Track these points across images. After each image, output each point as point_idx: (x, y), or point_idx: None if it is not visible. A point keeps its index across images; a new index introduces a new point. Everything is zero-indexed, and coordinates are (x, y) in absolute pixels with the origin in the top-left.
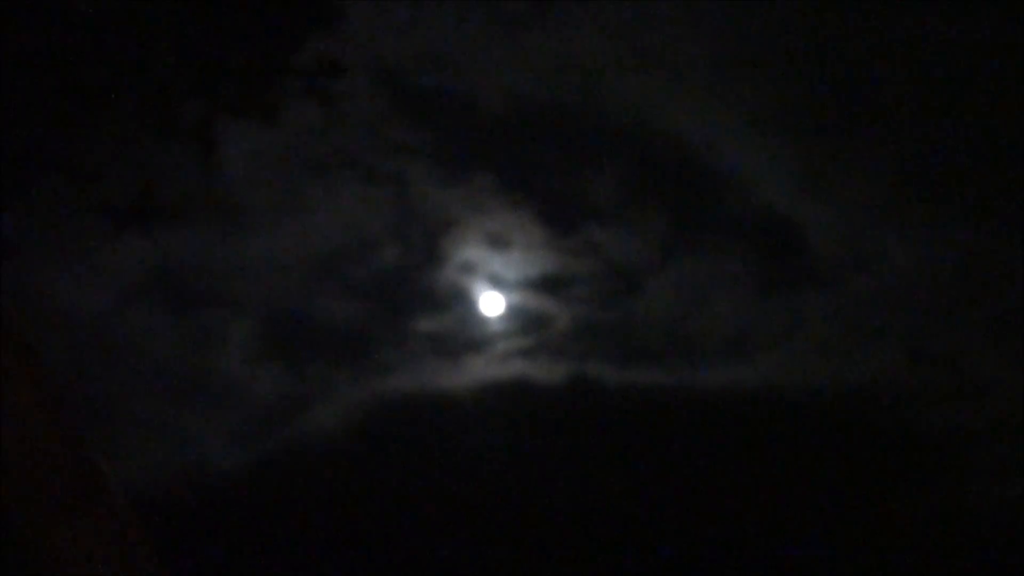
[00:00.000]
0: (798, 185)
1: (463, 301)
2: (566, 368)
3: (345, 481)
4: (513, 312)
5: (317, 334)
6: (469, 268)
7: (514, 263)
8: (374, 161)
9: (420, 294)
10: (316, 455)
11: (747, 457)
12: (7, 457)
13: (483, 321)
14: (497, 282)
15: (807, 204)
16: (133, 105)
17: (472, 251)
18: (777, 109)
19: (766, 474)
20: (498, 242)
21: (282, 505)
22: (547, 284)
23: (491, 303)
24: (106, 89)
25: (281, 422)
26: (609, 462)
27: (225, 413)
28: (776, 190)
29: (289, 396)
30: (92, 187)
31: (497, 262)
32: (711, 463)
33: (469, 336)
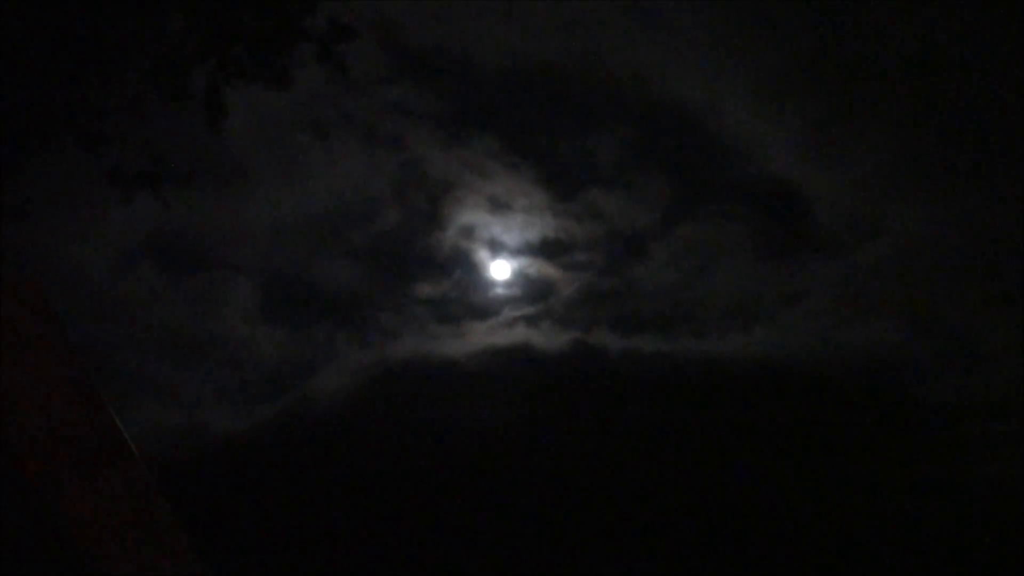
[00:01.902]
0: (802, 150)
1: (464, 266)
2: (569, 335)
3: (348, 445)
4: (515, 278)
5: (319, 298)
6: (470, 232)
7: (515, 227)
8: (375, 123)
9: (421, 258)
10: (319, 419)
11: (749, 425)
12: (28, 418)
13: (485, 287)
14: (498, 247)
15: (811, 170)
16: (144, 70)
17: (473, 215)
18: (782, 73)
19: (768, 442)
20: (499, 206)
21: (285, 469)
22: (549, 249)
23: (493, 269)
24: (118, 54)
25: (283, 386)
26: (611, 429)
27: (228, 376)
28: (780, 155)
29: (291, 360)
30: (103, 151)
31: (498, 226)
32: (713, 431)
33: (471, 302)
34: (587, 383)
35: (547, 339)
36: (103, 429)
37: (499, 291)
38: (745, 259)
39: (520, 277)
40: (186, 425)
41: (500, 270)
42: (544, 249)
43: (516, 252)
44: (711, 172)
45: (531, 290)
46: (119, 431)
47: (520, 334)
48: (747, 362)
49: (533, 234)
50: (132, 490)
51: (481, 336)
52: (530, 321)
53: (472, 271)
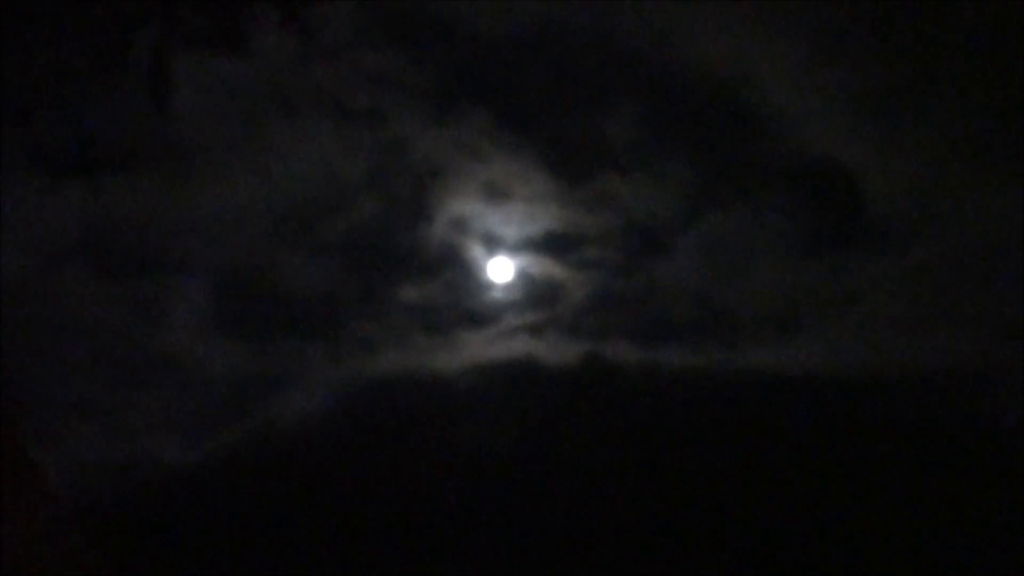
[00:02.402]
0: (853, 127)
1: (455, 266)
2: (579, 347)
3: (320, 477)
4: (515, 279)
5: (284, 305)
6: (462, 225)
7: (515, 220)
8: (349, 97)
9: (404, 256)
10: (286, 447)
11: (792, 451)
12: None
13: (479, 290)
14: (495, 243)
15: (864, 151)
16: (77, 34)
17: (465, 205)
18: (829, 35)
19: (814, 471)
20: (496, 194)
21: (247, 504)
22: (555, 245)
23: (489, 269)
24: (44, 15)
25: (244, 409)
26: (630, 455)
27: (178, 398)
28: (827, 133)
29: (252, 378)
30: (25, 130)
31: (495, 218)
32: (750, 457)
33: (463, 308)
34: (601, 403)
35: (554, 352)
36: (14, 457)
37: (496, 295)
38: (786, 255)
39: (521, 278)
40: (131, 456)
41: (498, 270)
42: (549, 245)
43: (516, 249)
44: (745, 153)
45: (534, 293)
46: (32, 459)
47: (522, 346)
48: (789, 377)
49: (536, 227)
50: (47, 521)
51: (476, 348)
52: (534, 330)
53: (464, 272)
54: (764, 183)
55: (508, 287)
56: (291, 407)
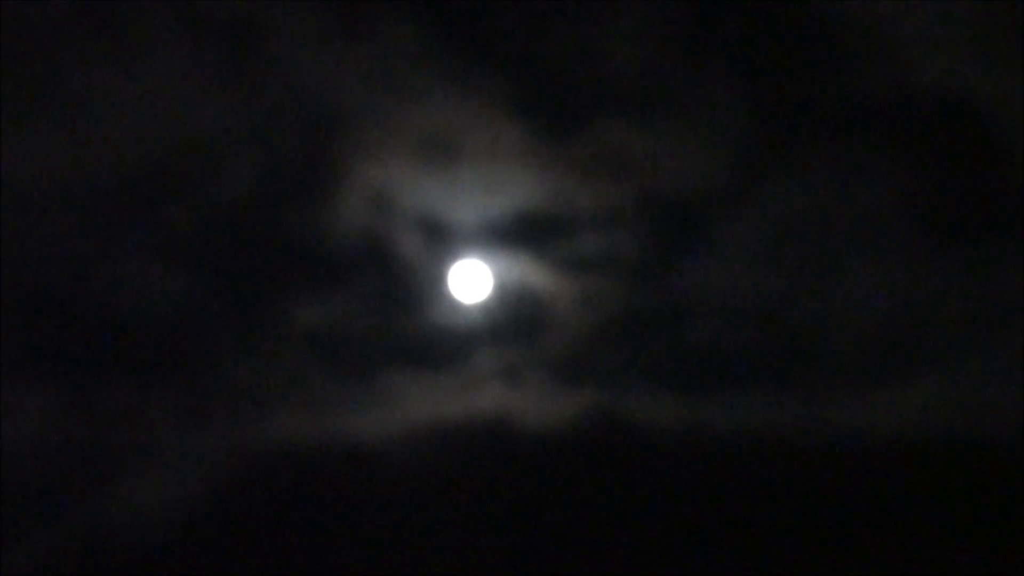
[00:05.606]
0: (990, 51)
1: (378, 267)
2: (577, 399)
3: None
4: (476, 290)
5: (114, 335)
6: (385, 203)
7: (470, 192)
8: (212, 7)
9: (299, 254)
10: (128, 559)
11: (907, 554)
12: None
13: (418, 308)
14: (440, 231)
15: (1008, 88)
16: None
17: (392, 170)
18: None
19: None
20: (440, 152)
21: None
22: (533, 235)
23: (432, 272)
24: None
25: (64, 500)
26: (653, 568)
27: None
28: (953, 58)
29: (74, 451)
30: None
31: (438, 191)
32: (837, 567)
33: (395, 338)
34: (612, 484)
35: (539, 407)
36: None
37: (446, 318)
38: (899, 247)
39: (489, 289)
40: None
41: (445, 275)
42: (526, 232)
43: (473, 240)
44: (824, 85)
45: (506, 314)
46: None
47: (490, 399)
48: (905, 442)
49: (504, 203)
50: None
51: (418, 403)
52: (508, 374)
53: (393, 277)
54: (856, 133)
55: (465, 305)
56: (139, 497)
